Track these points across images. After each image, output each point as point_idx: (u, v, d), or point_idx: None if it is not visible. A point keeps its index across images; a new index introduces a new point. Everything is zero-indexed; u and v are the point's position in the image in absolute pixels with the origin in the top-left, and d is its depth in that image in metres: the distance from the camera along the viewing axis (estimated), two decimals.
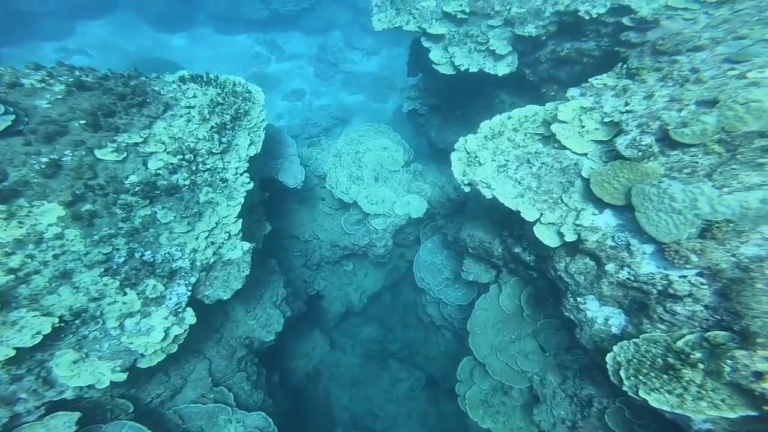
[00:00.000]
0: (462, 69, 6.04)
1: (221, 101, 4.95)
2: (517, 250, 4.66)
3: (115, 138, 4.20)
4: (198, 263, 4.34)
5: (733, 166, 2.93)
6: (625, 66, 4.23)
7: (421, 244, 7.40)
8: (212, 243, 4.54)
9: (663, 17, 4.65)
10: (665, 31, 4.51)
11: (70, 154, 3.98)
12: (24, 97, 4.19)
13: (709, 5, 4.51)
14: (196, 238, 4.45)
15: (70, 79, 4.32)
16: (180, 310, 4.08)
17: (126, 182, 4.14)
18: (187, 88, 4.88)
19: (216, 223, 4.61)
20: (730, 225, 2.77)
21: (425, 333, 8.01)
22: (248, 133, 5.06)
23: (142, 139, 4.33)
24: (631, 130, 3.52)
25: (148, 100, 4.54)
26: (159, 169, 4.41)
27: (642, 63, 4.16)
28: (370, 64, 12.88)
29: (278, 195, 6.80)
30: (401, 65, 8.83)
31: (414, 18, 6.71)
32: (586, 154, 3.81)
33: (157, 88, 4.78)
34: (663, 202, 3.02)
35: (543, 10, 5.92)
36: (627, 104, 3.79)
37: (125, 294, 3.88)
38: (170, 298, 4.06)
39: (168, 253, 4.20)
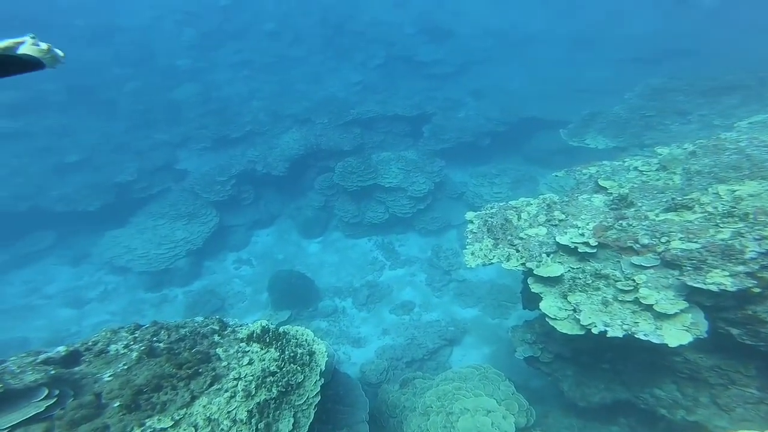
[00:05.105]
0: (594, 331, 4.22)
1: (275, 369, 4.32)
2: None
3: (144, 422, 3.73)
4: None
5: None
6: None
7: None
8: None
9: None
10: None
11: None
12: (103, 365, 4.36)
13: None
14: None
15: (142, 347, 4.42)
16: None
17: None
18: (247, 351, 4.50)
19: None
20: None
21: None
22: (294, 413, 4.09)
23: (171, 423, 3.76)
24: None
25: (200, 371, 4.21)
26: None
27: None
28: (486, 271, 11.89)
29: None
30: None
31: (518, 252, 5.59)
32: None
33: (220, 351, 4.54)
34: None
35: (740, 248, 4.06)
36: None
37: None
38: None
39: None
